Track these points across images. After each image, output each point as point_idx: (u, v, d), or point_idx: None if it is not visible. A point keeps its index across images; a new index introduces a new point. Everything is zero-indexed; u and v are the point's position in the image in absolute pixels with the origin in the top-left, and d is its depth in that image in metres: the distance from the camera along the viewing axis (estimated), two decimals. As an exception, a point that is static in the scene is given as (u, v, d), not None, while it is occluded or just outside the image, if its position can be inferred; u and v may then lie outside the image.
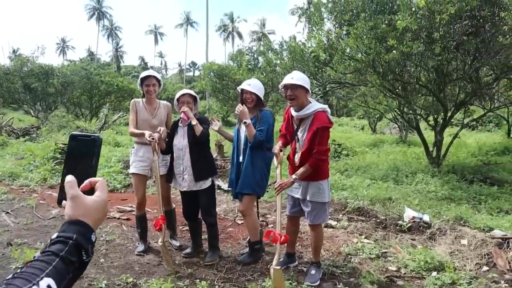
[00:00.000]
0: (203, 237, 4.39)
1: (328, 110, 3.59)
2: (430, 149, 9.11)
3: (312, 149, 3.45)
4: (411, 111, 9.06)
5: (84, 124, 17.80)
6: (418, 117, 9.64)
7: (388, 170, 8.75)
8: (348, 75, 9.70)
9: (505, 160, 10.45)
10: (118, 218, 5.62)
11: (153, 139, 3.89)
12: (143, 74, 4.26)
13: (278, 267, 3.34)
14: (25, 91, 21.98)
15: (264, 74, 14.14)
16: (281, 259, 4.04)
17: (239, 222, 5.44)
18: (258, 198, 4.27)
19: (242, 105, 4.01)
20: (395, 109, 12.57)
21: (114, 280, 3.57)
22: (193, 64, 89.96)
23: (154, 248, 4.40)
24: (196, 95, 4.13)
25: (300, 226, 4.38)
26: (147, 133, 3.92)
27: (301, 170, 3.47)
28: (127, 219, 5.57)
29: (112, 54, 79.71)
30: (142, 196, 4.27)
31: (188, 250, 4.24)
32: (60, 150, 9.74)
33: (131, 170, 4.30)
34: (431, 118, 10.02)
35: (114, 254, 4.25)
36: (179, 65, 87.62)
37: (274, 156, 3.65)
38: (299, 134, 3.61)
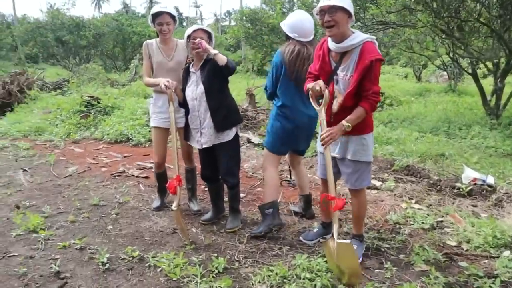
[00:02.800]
0: (225, 199, 3.81)
1: (376, 42, 2.78)
2: (488, 98, 8.00)
3: (360, 91, 2.69)
4: (467, 55, 7.87)
5: (115, 76, 17.49)
6: (475, 62, 8.43)
7: (439, 121, 7.80)
8: (392, 15, 8.56)
9: None
10: (137, 176, 5.13)
11: (169, 87, 3.28)
12: (154, 9, 3.62)
13: (347, 241, 2.71)
14: (58, 44, 21.82)
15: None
16: (315, 230, 3.42)
17: (269, 182, 4.82)
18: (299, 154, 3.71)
19: None
20: (447, 54, 11.25)
21: (118, 253, 3.07)
22: (229, 13, 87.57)
23: (171, 212, 3.87)
24: (211, 31, 3.38)
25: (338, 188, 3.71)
26: (161, 80, 3.34)
27: (354, 115, 2.70)
28: (146, 177, 5.08)
29: (146, 6, 78.61)
30: (162, 153, 3.84)
31: (207, 216, 3.68)
32: (85, 103, 9.34)
33: (151, 123, 3.84)
34: (489, 63, 8.78)
35: (125, 219, 3.76)
36: (215, 15, 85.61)
37: (311, 97, 2.79)
38: (340, 73, 2.81)
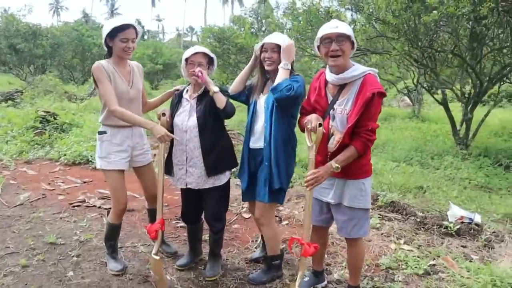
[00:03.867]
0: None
1: (377, 75, 2.54)
2: (457, 127, 8.09)
3: (355, 127, 2.42)
4: (439, 84, 7.95)
5: (73, 88, 16.62)
6: (445, 91, 8.55)
7: (411, 150, 7.76)
8: (363, 42, 8.56)
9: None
10: (99, 207, 4.63)
11: (163, 114, 2.90)
12: (118, 22, 2.84)
13: None
14: (11, 52, 20.55)
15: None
16: (306, 279, 3.08)
17: (246, 216, 4.47)
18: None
19: (261, 70, 2.93)
20: (411, 82, 11.46)
21: (81, 311, 2.61)
22: (191, 29, 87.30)
23: (140, 255, 3.43)
24: (212, 55, 2.98)
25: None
26: (159, 130, 2.74)
27: (343, 155, 2.43)
28: (109, 209, 4.56)
29: (107, 16, 76.99)
30: (125, 200, 3.09)
31: (183, 261, 3.25)
32: (41, 119, 8.64)
33: (105, 165, 3.00)
34: (458, 91, 8.91)
35: (88, 263, 3.26)
36: (177, 29, 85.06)
37: (307, 132, 2.52)
38: (337, 108, 2.53)
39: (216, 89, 2.81)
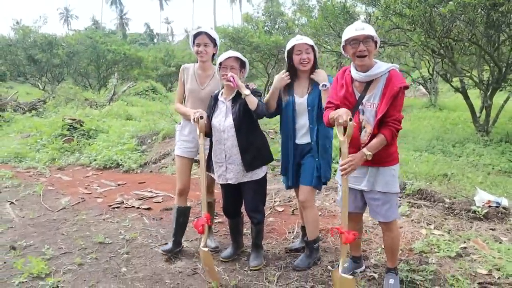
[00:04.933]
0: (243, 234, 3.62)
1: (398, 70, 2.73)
2: (477, 115, 8.13)
3: (383, 117, 2.61)
4: (457, 73, 8.01)
5: (92, 95, 17.01)
6: (463, 79, 8.59)
7: (432, 139, 7.83)
8: (379, 34, 8.67)
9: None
10: (138, 208, 4.86)
11: (201, 117, 3.06)
12: (195, 31, 3.41)
13: (350, 276, 2.64)
14: (30, 63, 21.10)
15: (283, 36, 13.04)
16: (346, 264, 3.25)
17: (279, 209, 4.65)
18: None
19: (287, 72, 3.14)
20: (427, 71, 11.49)
21: (141, 301, 2.82)
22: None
23: (186, 250, 3.64)
24: (244, 59, 3.20)
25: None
26: (191, 112, 3.14)
27: (373, 143, 2.62)
28: (148, 209, 4.81)
29: (117, 22, 77.88)
30: (185, 181, 3.50)
31: (227, 253, 3.46)
32: (68, 126, 8.97)
33: (176, 151, 3.58)
34: (475, 76, 8.95)
35: (138, 259, 3.49)
36: (186, 31, 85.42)
37: (337, 126, 2.61)
38: (366, 103, 2.71)
39: (247, 92, 3.00)
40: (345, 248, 2.71)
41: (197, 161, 3.44)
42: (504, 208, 4.23)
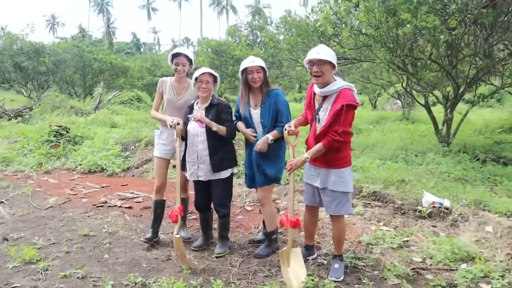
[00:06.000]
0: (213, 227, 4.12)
1: (354, 89, 3.25)
2: (439, 127, 8.79)
3: (330, 129, 3.15)
4: (420, 88, 8.68)
5: (78, 103, 17.32)
6: (427, 94, 9.27)
7: (397, 149, 8.45)
8: (351, 51, 9.31)
9: (515, 137, 10.17)
10: (120, 206, 5.31)
11: (178, 124, 3.62)
12: (174, 50, 3.97)
13: (297, 248, 3.32)
14: (16, 70, 21.28)
15: (264, 50, 13.65)
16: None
17: (248, 208, 5.16)
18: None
19: (246, 87, 3.66)
20: (401, 86, 12.17)
21: (121, 280, 3.27)
22: (187, 39, 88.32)
23: (162, 241, 4.11)
24: (216, 74, 3.75)
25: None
26: (168, 118, 3.72)
27: (314, 148, 3.21)
28: (129, 208, 5.26)
29: (104, 31, 78.07)
30: (162, 179, 4.03)
31: (198, 243, 3.96)
32: (54, 133, 9.33)
33: (154, 152, 4.13)
34: (439, 94, 9.68)
35: (119, 248, 3.95)
36: (173, 41, 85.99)
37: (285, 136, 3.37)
38: (321, 113, 3.28)
39: (215, 128, 3.58)
40: (292, 231, 3.25)
41: (174, 166, 3.97)
42: (446, 208, 4.80)
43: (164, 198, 4.14)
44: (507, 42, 7.62)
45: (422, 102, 9.68)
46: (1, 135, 10.99)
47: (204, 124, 3.59)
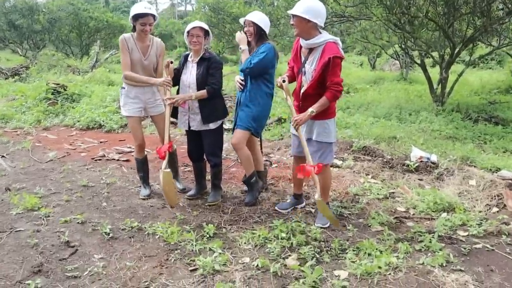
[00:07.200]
0: (207, 178, 4.28)
1: (339, 42, 3.33)
2: (434, 87, 8.85)
3: (321, 82, 3.25)
4: (416, 47, 8.66)
5: (75, 62, 17.20)
6: (424, 53, 9.25)
7: (391, 108, 8.55)
8: (349, 9, 9.21)
9: (510, 98, 10.22)
10: (117, 160, 5.47)
11: (171, 62, 3.70)
12: (138, 10, 3.70)
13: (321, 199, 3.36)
14: (10, 28, 21.01)
15: (262, 8, 13.44)
16: (288, 201, 3.97)
17: (242, 162, 5.31)
18: (255, 135, 4.02)
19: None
20: (398, 45, 12.12)
21: (118, 225, 3.47)
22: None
23: (158, 191, 4.29)
24: (208, 28, 3.77)
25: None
26: (158, 81, 3.73)
27: (318, 103, 3.27)
28: (127, 161, 5.42)
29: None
30: (141, 138, 4.06)
31: (191, 192, 4.13)
32: (52, 91, 9.37)
33: (124, 112, 4.02)
34: (436, 54, 9.66)
35: (116, 197, 4.14)
36: (170, 0, 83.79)
37: (281, 88, 3.46)
38: (307, 66, 3.36)
39: (193, 96, 3.67)
40: (315, 178, 3.34)
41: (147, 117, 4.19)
42: (432, 162, 4.96)
43: (145, 153, 4.23)
44: (506, 1, 7.56)
45: (415, 61, 9.68)
46: (-1, 93, 11.03)
47: (186, 103, 3.73)
